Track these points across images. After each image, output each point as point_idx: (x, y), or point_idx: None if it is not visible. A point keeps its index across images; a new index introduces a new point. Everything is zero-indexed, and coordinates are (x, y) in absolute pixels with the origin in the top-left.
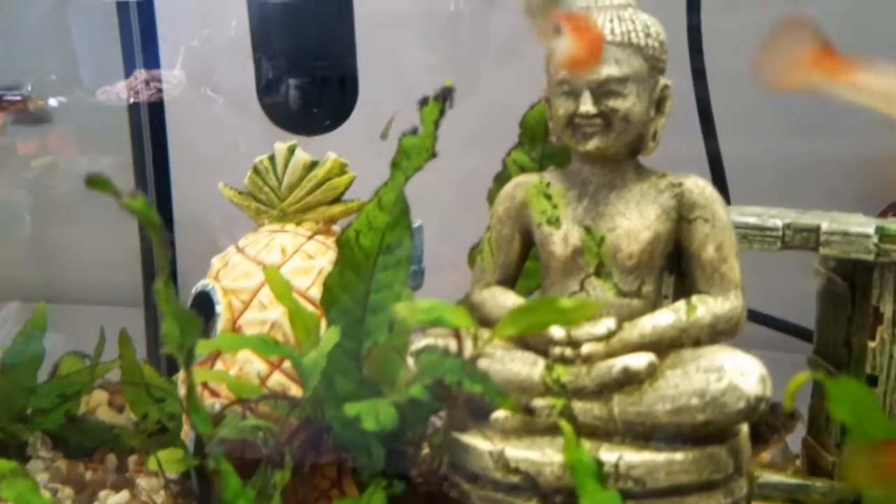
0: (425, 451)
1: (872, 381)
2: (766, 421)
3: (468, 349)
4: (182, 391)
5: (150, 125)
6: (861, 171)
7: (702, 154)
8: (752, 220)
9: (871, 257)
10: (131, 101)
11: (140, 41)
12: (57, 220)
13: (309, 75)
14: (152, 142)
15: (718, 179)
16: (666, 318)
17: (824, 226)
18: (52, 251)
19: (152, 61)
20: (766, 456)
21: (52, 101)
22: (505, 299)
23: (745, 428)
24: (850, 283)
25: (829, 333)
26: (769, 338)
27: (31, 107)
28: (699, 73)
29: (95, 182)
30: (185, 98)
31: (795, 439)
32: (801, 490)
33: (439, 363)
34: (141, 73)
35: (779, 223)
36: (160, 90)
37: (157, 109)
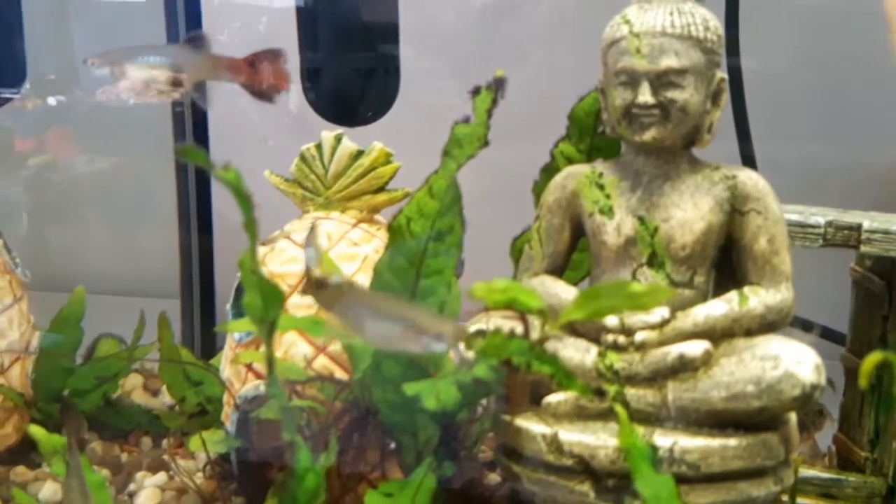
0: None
1: None
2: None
3: (535, 332)
4: (224, 373)
5: (192, 123)
6: (884, 176)
7: (736, 156)
8: (794, 217)
9: None
10: (131, 101)
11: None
12: (99, 215)
13: (353, 67)
14: (195, 141)
15: None
16: (719, 307)
17: (866, 224)
18: (95, 244)
19: None
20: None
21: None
22: (555, 287)
23: (793, 417)
24: (888, 281)
25: (864, 331)
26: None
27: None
28: (736, 77)
29: (186, 152)
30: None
31: (822, 437)
32: (835, 484)
33: (505, 344)
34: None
35: (821, 220)
36: (162, 91)
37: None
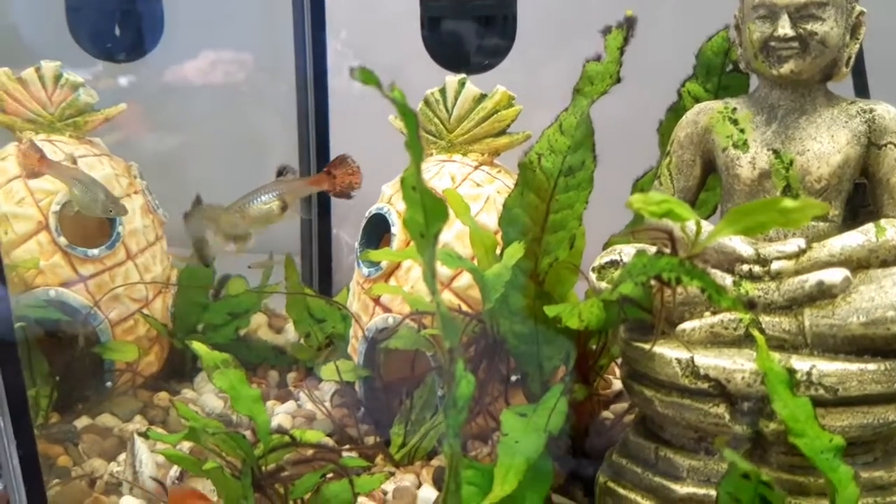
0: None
1: None
2: None
3: (680, 251)
4: (352, 307)
5: (315, 104)
6: None
7: None
8: None
9: None
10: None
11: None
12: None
13: (470, 15)
14: (316, 109)
15: None
16: (855, 238)
17: None
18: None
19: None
20: None
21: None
22: None
23: None
24: None
25: None
26: None
27: None
28: None
29: (360, 74)
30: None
31: None
32: None
33: (654, 262)
34: (209, 55)
35: None
36: (229, 72)
37: (322, 89)
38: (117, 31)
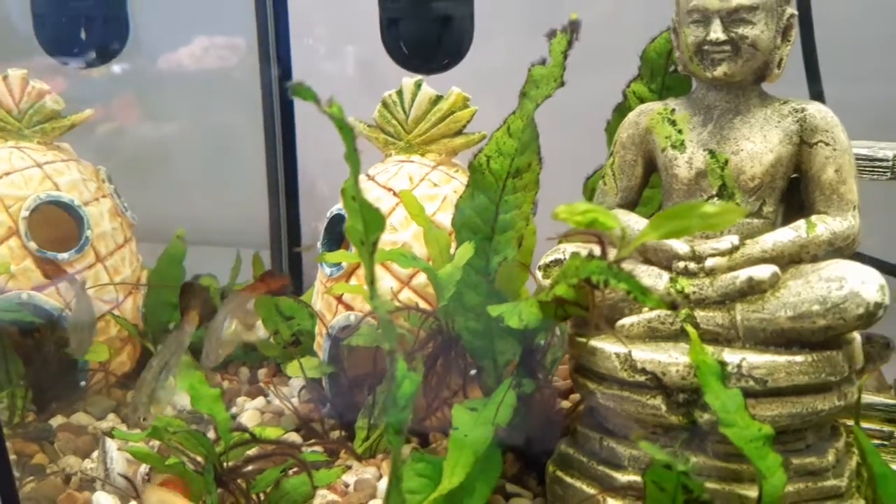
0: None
1: None
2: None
3: (610, 254)
4: (317, 305)
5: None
6: None
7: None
8: (862, 151)
9: None
10: (192, 68)
11: None
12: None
13: (429, 15)
14: (280, 101)
15: None
16: (786, 234)
17: None
18: (192, 200)
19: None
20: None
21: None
22: (629, 219)
23: (857, 336)
24: None
25: None
26: None
27: None
28: (805, 18)
29: (299, 91)
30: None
31: (889, 369)
32: None
33: (584, 265)
34: (202, 40)
35: (889, 154)
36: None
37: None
38: (83, 36)
